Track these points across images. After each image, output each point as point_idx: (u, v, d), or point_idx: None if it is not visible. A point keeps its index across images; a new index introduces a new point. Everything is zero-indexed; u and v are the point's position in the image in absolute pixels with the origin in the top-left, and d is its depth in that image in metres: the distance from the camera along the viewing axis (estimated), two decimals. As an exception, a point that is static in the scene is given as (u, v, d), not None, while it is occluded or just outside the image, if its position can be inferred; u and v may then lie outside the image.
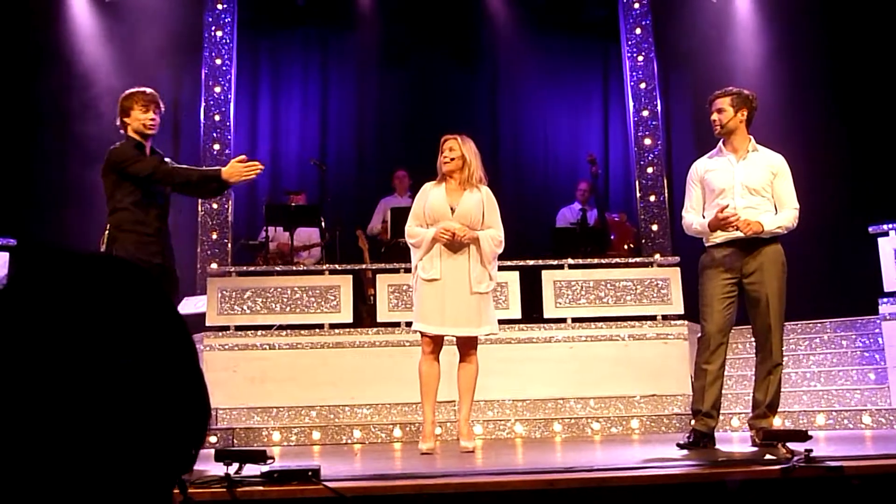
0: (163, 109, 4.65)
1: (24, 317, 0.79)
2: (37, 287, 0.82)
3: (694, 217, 4.87)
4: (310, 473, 3.05)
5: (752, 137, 4.84)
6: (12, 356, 0.77)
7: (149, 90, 4.62)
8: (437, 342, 4.97)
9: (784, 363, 4.92)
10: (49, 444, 0.76)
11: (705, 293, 4.78)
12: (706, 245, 4.86)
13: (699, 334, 4.84)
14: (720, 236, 4.73)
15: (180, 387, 0.83)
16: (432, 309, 4.89)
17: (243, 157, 4.52)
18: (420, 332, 4.97)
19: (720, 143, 4.89)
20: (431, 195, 5.04)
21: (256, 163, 4.48)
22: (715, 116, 4.82)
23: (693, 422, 4.81)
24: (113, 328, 0.81)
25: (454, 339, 5.02)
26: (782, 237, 4.77)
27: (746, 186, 4.72)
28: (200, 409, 0.85)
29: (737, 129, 4.80)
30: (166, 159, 4.67)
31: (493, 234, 5.01)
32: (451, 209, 4.96)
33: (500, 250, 5.08)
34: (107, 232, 4.48)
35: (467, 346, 5.01)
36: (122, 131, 4.61)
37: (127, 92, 4.64)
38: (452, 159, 5.02)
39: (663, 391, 6.85)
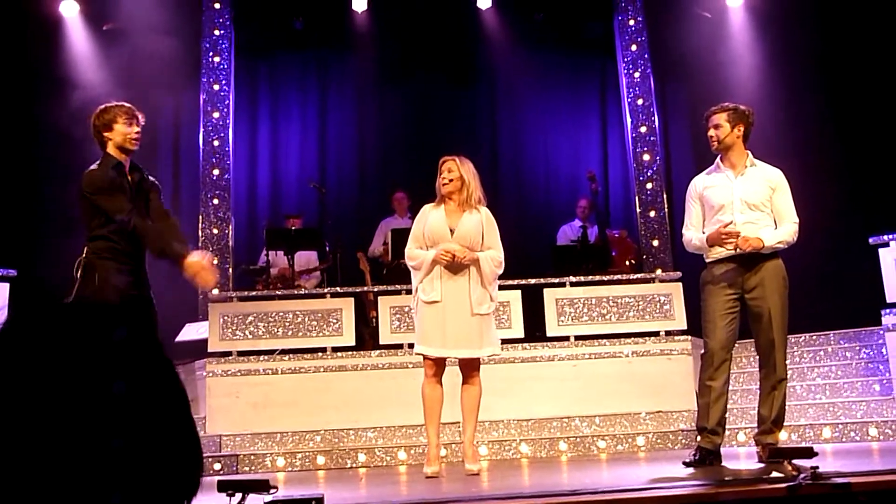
0: (143, 123, 4.46)
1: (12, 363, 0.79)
2: (27, 337, 0.82)
3: (694, 233, 4.87)
4: (314, 502, 3.03)
5: (749, 152, 4.85)
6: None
7: (128, 104, 4.44)
8: (439, 364, 4.96)
9: (788, 377, 4.90)
10: (41, 485, 0.76)
11: (707, 310, 4.77)
12: (707, 261, 4.86)
13: (702, 350, 4.83)
14: (720, 252, 4.73)
15: (172, 439, 0.82)
16: (433, 331, 4.88)
17: (209, 263, 4.34)
18: (422, 355, 4.96)
19: (718, 159, 4.89)
20: (431, 217, 5.04)
21: (212, 273, 4.38)
22: (712, 132, 4.82)
23: (699, 439, 4.79)
24: (102, 378, 0.81)
25: (457, 360, 5.01)
26: (783, 250, 4.77)
27: (745, 202, 4.72)
28: (192, 460, 0.84)
29: (734, 144, 4.81)
30: (150, 178, 4.53)
31: (493, 255, 5.00)
32: (451, 231, 4.96)
33: (501, 271, 5.07)
34: (83, 257, 4.29)
35: (470, 368, 4.99)
36: (101, 149, 4.39)
37: (104, 106, 4.42)
38: (451, 180, 5.02)
39: (668, 407, 6.82)
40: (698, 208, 4.90)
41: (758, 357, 4.84)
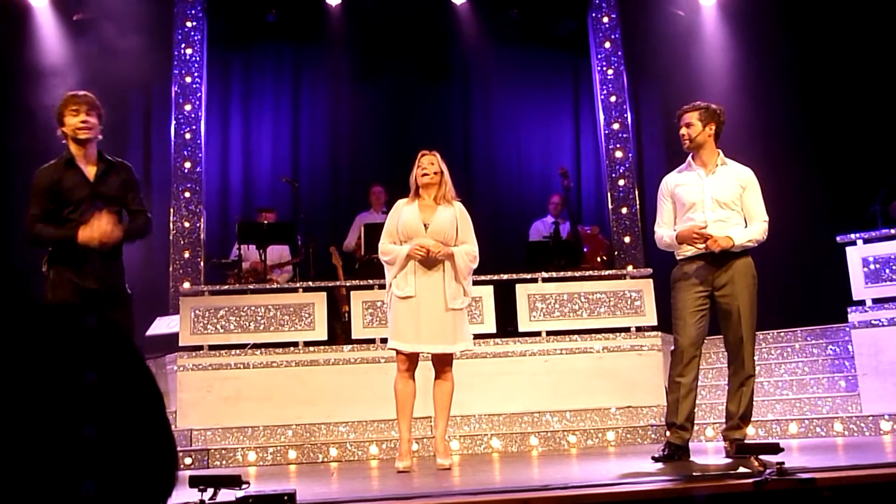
0: (101, 112, 4.31)
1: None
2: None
3: (665, 231, 4.92)
4: (285, 498, 3.03)
5: (720, 151, 4.90)
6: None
7: (81, 92, 4.31)
8: (412, 360, 4.97)
9: (756, 373, 4.97)
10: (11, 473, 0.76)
11: (677, 306, 4.82)
12: (677, 259, 4.91)
13: (672, 347, 4.88)
14: (691, 250, 4.78)
15: (146, 431, 0.83)
16: (407, 326, 4.88)
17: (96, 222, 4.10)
18: (395, 350, 4.96)
19: (689, 158, 4.94)
20: (404, 212, 5.04)
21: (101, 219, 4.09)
22: (683, 131, 4.87)
23: (668, 434, 4.84)
24: (73, 367, 0.81)
25: (429, 356, 5.02)
26: (753, 248, 4.83)
27: (716, 200, 4.77)
28: (167, 456, 0.85)
29: (705, 143, 4.86)
30: (125, 174, 4.36)
31: (468, 250, 5.01)
32: (425, 226, 4.96)
33: (475, 265, 5.07)
34: (48, 253, 4.23)
35: (443, 363, 5.00)
36: (63, 142, 4.33)
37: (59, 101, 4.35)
38: (434, 173, 5.03)
39: (638, 402, 6.89)
40: (669, 206, 4.95)
41: (726, 353, 4.90)
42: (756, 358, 4.88)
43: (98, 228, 4.06)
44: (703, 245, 4.66)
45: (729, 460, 4.53)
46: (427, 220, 4.97)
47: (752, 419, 5.01)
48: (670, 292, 4.92)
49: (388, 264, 5.03)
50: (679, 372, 4.77)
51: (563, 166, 9.19)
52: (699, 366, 4.86)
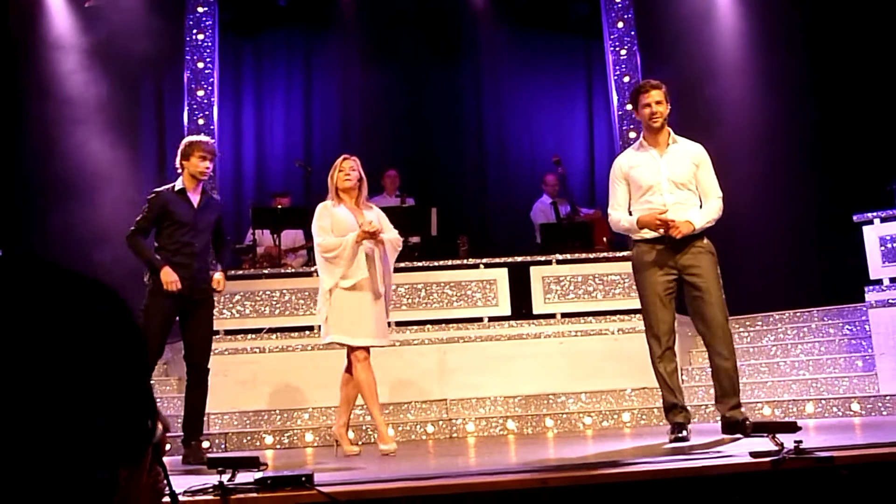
0: (216, 156, 5.35)
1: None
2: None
3: (622, 214, 4.85)
4: (303, 479, 3.05)
5: (670, 129, 4.85)
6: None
7: (210, 141, 5.31)
8: (369, 350, 5.12)
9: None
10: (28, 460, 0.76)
11: (646, 293, 4.78)
12: (635, 240, 4.85)
13: (646, 334, 4.85)
14: (649, 233, 4.74)
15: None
16: (360, 321, 5.04)
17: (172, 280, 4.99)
18: (347, 345, 5.10)
19: (641, 138, 4.90)
20: (336, 212, 5.19)
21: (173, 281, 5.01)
22: (657, 109, 4.78)
23: (671, 416, 4.83)
24: (87, 351, 0.81)
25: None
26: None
27: (673, 182, 4.72)
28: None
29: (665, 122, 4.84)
30: (217, 198, 5.53)
31: (393, 236, 5.29)
32: (360, 225, 5.12)
33: (399, 249, 5.35)
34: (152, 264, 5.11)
35: (368, 354, 5.15)
36: (178, 170, 5.22)
37: (190, 139, 5.29)
38: (357, 179, 5.26)
39: (653, 384, 6.80)
40: (624, 188, 4.87)
41: (701, 335, 4.85)
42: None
43: (167, 281, 4.99)
44: (665, 231, 4.61)
45: (743, 438, 4.51)
46: (359, 219, 5.16)
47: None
48: (634, 277, 4.89)
49: (334, 259, 5.07)
50: (660, 356, 4.76)
51: (556, 155, 9.14)
52: (675, 344, 4.85)
